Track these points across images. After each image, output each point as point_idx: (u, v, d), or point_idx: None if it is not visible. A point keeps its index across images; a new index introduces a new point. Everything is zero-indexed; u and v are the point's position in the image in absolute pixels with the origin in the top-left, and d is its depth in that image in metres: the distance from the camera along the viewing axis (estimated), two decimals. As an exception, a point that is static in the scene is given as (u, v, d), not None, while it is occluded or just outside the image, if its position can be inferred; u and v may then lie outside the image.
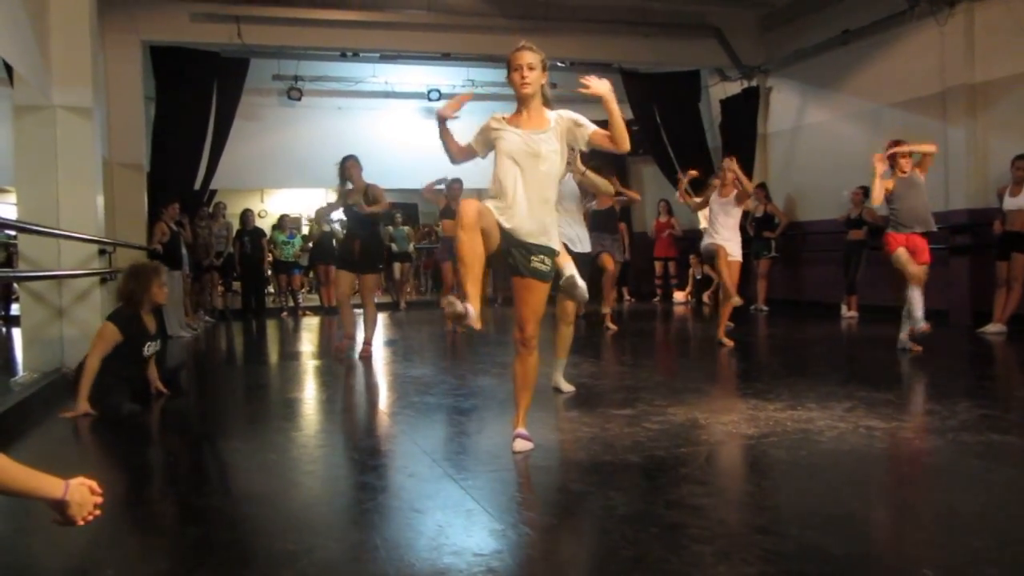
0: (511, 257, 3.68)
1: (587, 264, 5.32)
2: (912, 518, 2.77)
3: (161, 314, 5.36)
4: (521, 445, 3.69)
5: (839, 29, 10.44)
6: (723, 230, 7.53)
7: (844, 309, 10.00)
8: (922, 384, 5.55)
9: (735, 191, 7.48)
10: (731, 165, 7.51)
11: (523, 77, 3.66)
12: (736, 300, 7.52)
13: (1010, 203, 7.74)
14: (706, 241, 7.70)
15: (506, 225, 3.60)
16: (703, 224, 8.92)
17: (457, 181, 9.51)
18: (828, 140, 11.14)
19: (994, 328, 7.74)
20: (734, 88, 12.46)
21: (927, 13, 9.16)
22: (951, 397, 4.66)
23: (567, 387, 5.16)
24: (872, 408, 4.37)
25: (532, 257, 3.65)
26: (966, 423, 4.03)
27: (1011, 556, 2.44)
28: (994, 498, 3.03)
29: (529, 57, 3.67)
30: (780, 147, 12.18)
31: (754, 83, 12.21)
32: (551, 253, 3.70)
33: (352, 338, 7.41)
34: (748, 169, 12.10)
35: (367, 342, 7.24)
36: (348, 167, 7.12)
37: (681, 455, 3.62)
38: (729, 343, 7.30)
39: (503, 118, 3.78)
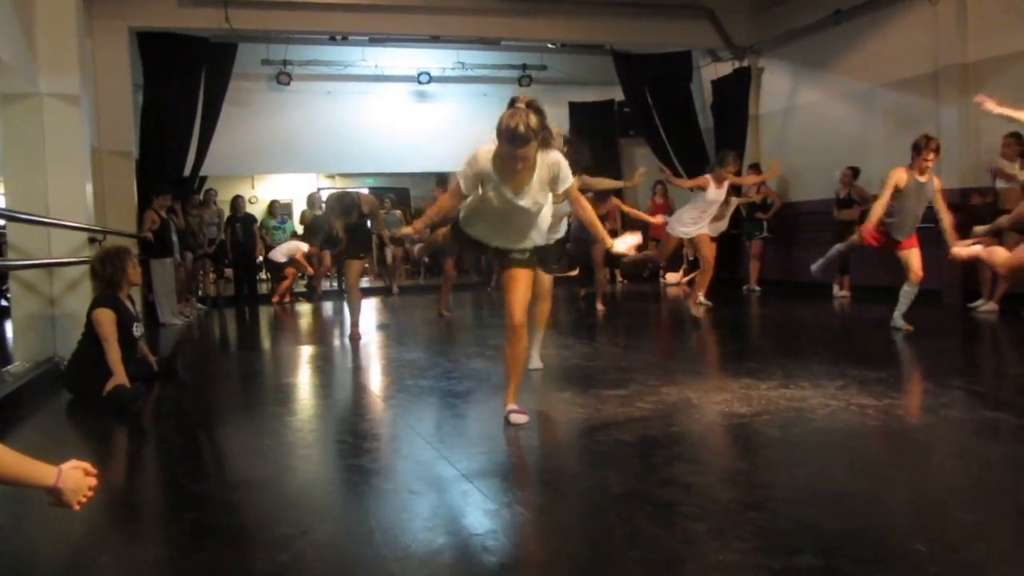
0: (494, 253, 4.02)
1: (557, 250, 5.46)
2: (904, 494, 2.79)
3: (145, 298, 5.40)
4: (517, 418, 3.83)
5: (831, 9, 10.39)
6: (702, 220, 7.84)
7: (836, 289, 10.03)
8: (914, 362, 5.58)
9: (726, 187, 7.86)
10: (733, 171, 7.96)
11: (517, 168, 3.62)
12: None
13: (1001, 183, 7.75)
14: (684, 230, 7.92)
15: (492, 244, 3.99)
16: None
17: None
18: (820, 120, 11.13)
19: (986, 306, 7.77)
20: (726, 69, 12.42)
21: (919, -9, 9.14)
22: (943, 375, 4.68)
23: (537, 363, 5.25)
24: (864, 386, 4.39)
25: (513, 249, 3.93)
26: (957, 400, 4.06)
27: (1001, 531, 2.46)
28: (985, 474, 3.05)
29: (526, 151, 3.54)
30: (772, 128, 12.16)
31: (746, 64, 12.17)
32: (531, 247, 3.99)
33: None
34: (740, 150, 12.12)
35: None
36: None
37: (674, 434, 3.64)
38: (701, 312, 7.68)
39: (491, 159, 3.69)
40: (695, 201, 7.91)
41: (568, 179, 3.77)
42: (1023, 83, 8.05)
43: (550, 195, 3.88)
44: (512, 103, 3.61)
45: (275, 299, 12.08)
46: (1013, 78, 8.29)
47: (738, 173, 8.82)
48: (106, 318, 4.86)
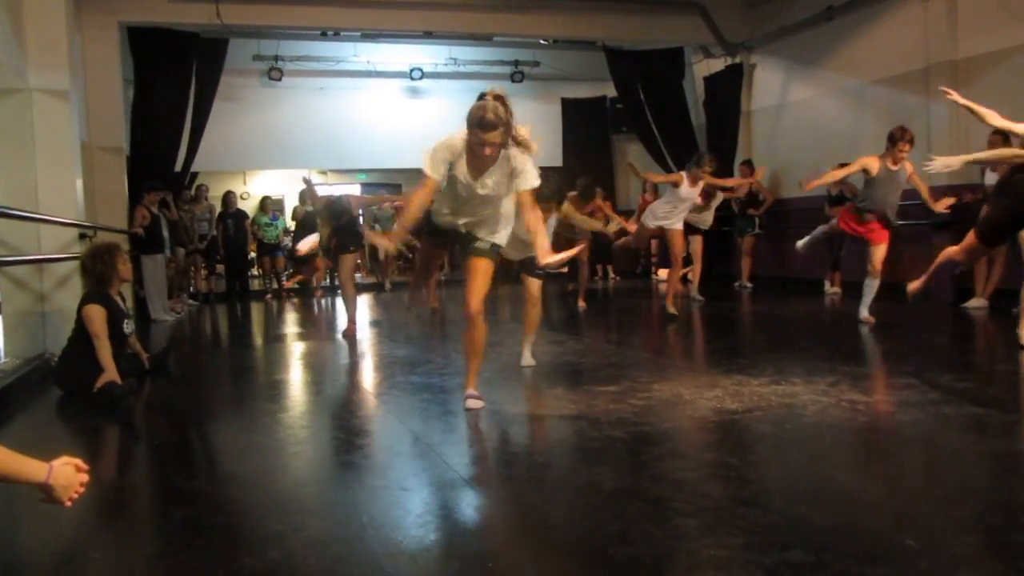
0: (460, 242, 4.17)
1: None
2: (894, 490, 2.80)
3: (136, 294, 5.39)
4: (473, 403, 4.07)
5: (823, 5, 10.41)
6: (673, 215, 7.97)
7: (827, 285, 10.06)
8: (904, 358, 5.59)
9: (700, 186, 8.02)
10: (707, 179, 8.12)
11: (485, 153, 3.77)
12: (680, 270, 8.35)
13: (991, 179, 7.77)
14: (655, 222, 8.06)
15: (460, 228, 4.10)
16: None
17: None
18: (812, 117, 11.15)
19: (976, 303, 7.80)
20: (718, 65, 12.43)
21: (911, -12, 9.16)
22: (933, 371, 4.70)
23: (529, 361, 5.32)
24: (855, 382, 4.41)
25: (478, 238, 4.08)
26: (948, 396, 4.08)
27: (990, 525, 2.48)
28: (974, 469, 3.07)
29: (493, 137, 3.71)
30: (764, 124, 12.18)
31: (738, 60, 12.18)
32: (495, 242, 4.11)
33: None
34: (732, 146, 12.14)
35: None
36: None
37: (666, 430, 3.64)
38: (674, 310, 7.82)
39: (457, 145, 3.87)
40: (668, 196, 8.09)
41: (529, 181, 3.87)
42: (1013, 79, 8.09)
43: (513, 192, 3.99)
44: (482, 96, 3.78)
45: (317, 293, 12.17)
46: (1003, 74, 8.32)
47: (718, 174, 8.89)
48: (96, 314, 4.84)
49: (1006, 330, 6.61)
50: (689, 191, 7.93)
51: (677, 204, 7.97)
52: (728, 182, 10.00)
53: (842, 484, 2.89)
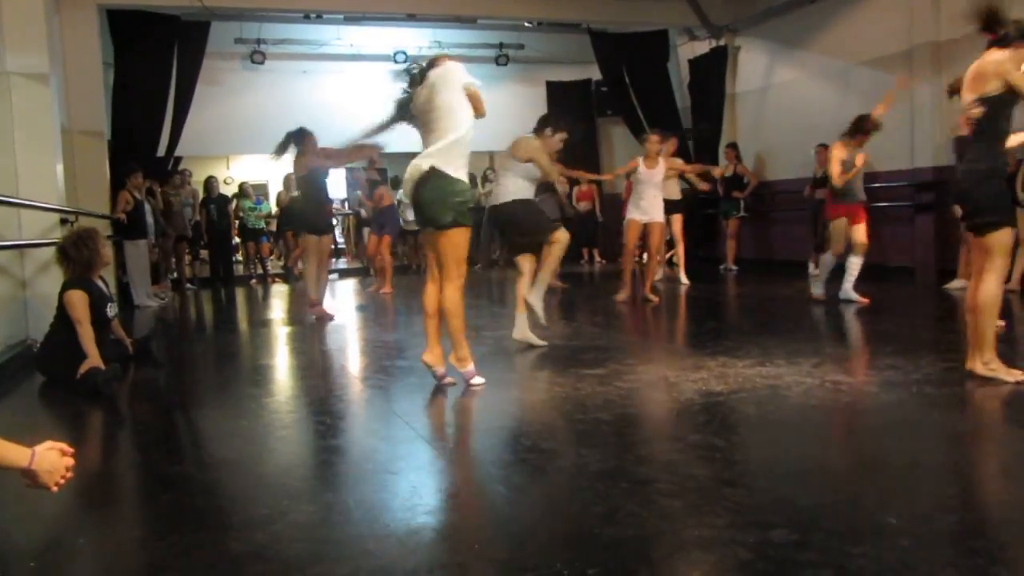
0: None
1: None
2: (877, 469, 2.83)
3: (119, 280, 5.33)
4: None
5: (807, -13, 10.41)
6: (644, 202, 7.96)
7: (811, 267, 10.10)
8: (887, 339, 5.63)
9: (662, 166, 8.03)
10: (660, 147, 8.13)
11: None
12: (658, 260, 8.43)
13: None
14: (637, 216, 8.02)
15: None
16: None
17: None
18: (796, 99, 11.16)
19: (959, 284, 7.85)
20: (703, 48, 12.42)
21: (895, -30, 9.17)
22: (915, 351, 4.74)
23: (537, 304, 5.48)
24: (839, 363, 4.44)
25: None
26: (930, 376, 4.12)
27: (971, 503, 2.51)
28: (956, 448, 3.10)
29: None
30: (749, 106, 12.19)
31: (722, 43, 12.17)
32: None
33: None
34: (717, 129, 12.15)
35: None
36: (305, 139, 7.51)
37: (651, 413, 3.67)
38: (655, 299, 7.86)
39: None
40: (636, 184, 8.09)
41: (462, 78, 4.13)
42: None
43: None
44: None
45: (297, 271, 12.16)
46: (986, 57, 8.35)
47: (701, 152, 8.91)
48: (79, 299, 4.80)
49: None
50: (648, 172, 7.94)
51: (643, 190, 7.97)
52: (685, 168, 9.78)
53: (825, 464, 2.92)
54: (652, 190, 7.98)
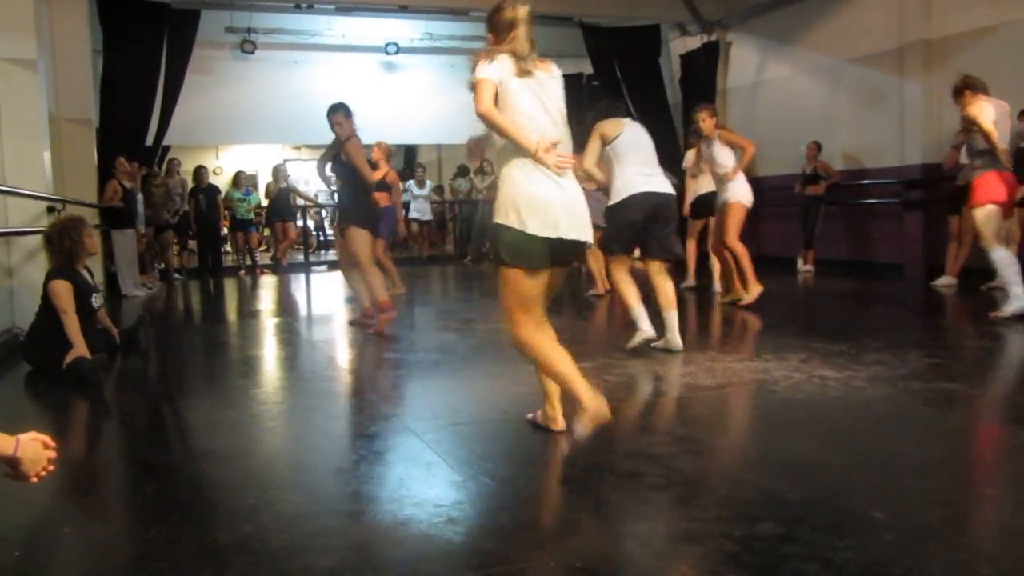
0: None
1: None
2: (863, 464, 2.84)
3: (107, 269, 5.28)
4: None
5: (799, -17, 10.43)
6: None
7: (800, 263, 10.14)
8: (875, 335, 5.66)
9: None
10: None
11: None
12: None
13: (964, 158, 7.84)
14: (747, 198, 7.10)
15: None
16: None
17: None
18: (787, 95, 11.18)
19: (945, 281, 7.91)
20: (694, 43, 12.42)
21: (886, -33, 9.20)
22: (903, 347, 4.76)
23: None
24: (826, 359, 4.46)
25: None
26: (916, 372, 4.14)
27: (956, 497, 2.52)
28: (941, 443, 3.12)
29: None
30: (740, 102, 12.20)
31: (714, 38, 12.17)
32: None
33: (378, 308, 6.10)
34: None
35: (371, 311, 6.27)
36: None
37: (639, 407, 3.67)
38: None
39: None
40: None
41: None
42: (984, 59, 8.16)
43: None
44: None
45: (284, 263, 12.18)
46: (975, 54, 8.40)
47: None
48: (63, 289, 4.77)
49: (973, 306, 6.72)
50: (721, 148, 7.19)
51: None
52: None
53: (812, 458, 2.93)
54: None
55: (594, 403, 2.72)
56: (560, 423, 3.16)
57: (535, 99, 2.98)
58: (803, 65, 10.88)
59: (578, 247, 3.00)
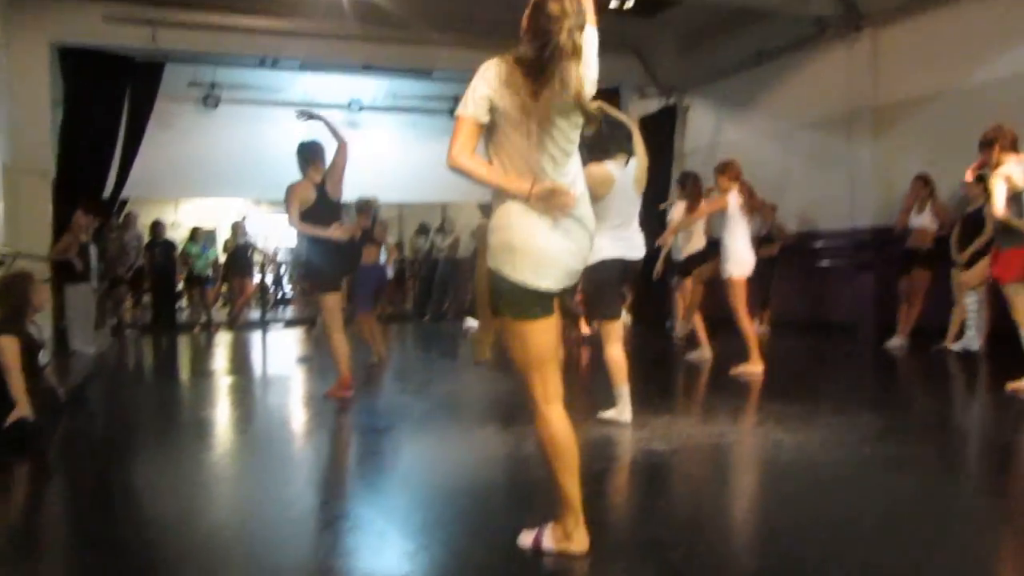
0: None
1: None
2: (815, 528, 2.85)
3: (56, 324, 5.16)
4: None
5: (753, 49, 10.75)
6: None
7: (756, 324, 10.24)
8: (828, 397, 5.73)
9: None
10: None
11: None
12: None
13: (913, 221, 8.06)
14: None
15: None
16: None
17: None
18: (742, 158, 11.27)
19: (897, 342, 8.04)
20: (653, 106, 12.70)
21: (835, 36, 9.52)
22: (855, 409, 4.82)
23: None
24: (780, 421, 4.48)
25: None
26: (868, 435, 4.18)
27: (911, 562, 2.53)
28: (894, 506, 3.14)
29: None
30: (697, 164, 12.40)
31: (672, 101, 12.47)
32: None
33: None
34: (666, 186, 12.37)
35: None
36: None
37: (593, 472, 3.64)
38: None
39: None
40: (732, 223, 7.37)
41: None
42: (927, 126, 8.47)
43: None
44: None
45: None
46: (920, 119, 8.70)
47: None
48: (9, 346, 4.65)
49: (923, 367, 6.84)
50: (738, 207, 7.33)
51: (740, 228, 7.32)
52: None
53: (767, 523, 2.93)
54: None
55: (579, 537, 2.55)
56: (582, 543, 2.57)
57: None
58: (758, 129, 11.16)
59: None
